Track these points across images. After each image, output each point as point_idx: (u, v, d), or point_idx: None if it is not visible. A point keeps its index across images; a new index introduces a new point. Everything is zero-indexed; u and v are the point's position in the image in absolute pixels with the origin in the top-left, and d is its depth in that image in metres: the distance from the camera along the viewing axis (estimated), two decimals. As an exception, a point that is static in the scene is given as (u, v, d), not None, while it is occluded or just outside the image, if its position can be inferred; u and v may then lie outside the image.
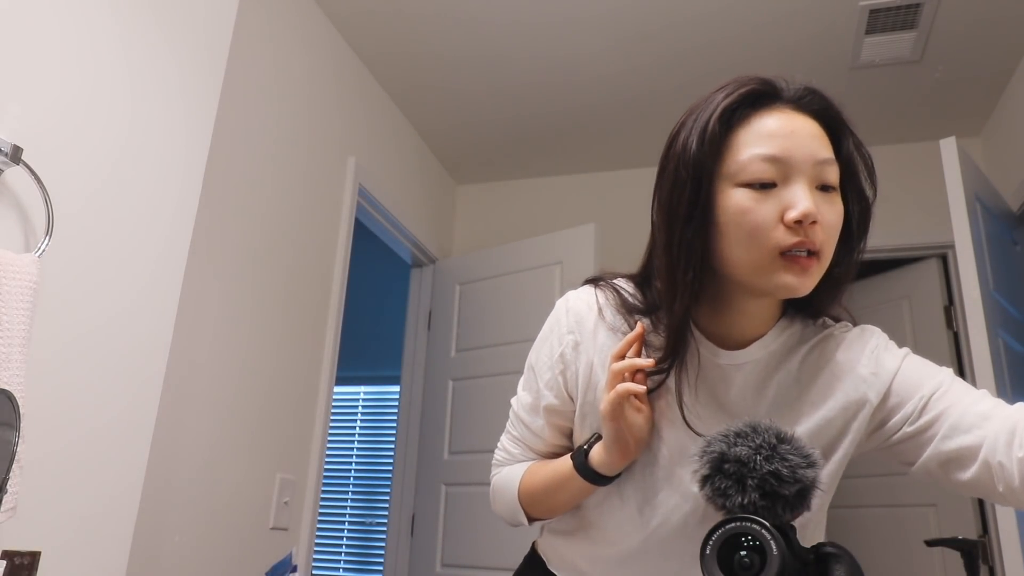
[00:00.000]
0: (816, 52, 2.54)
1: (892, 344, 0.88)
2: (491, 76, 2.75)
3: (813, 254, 0.73)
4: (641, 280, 0.88)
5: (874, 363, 0.83)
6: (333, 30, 2.53)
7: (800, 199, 0.72)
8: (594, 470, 0.85)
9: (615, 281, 0.90)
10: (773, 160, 0.74)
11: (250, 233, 2.06)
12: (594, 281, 0.91)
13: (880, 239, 3.20)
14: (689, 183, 0.75)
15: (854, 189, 0.81)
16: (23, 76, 1.14)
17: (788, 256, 0.73)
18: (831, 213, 0.75)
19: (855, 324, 0.89)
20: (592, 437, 0.87)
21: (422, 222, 3.18)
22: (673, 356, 0.80)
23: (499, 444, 1.00)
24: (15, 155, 1.10)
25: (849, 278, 0.83)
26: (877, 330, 0.89)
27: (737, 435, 0.68)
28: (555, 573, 0.95)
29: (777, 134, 0.75)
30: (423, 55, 2.66)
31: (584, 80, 2.76)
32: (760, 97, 0.80)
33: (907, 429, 0.80)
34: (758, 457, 0.66)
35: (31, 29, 1.16)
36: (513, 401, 0.98)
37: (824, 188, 0.76)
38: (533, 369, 0.94)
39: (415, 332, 3.25)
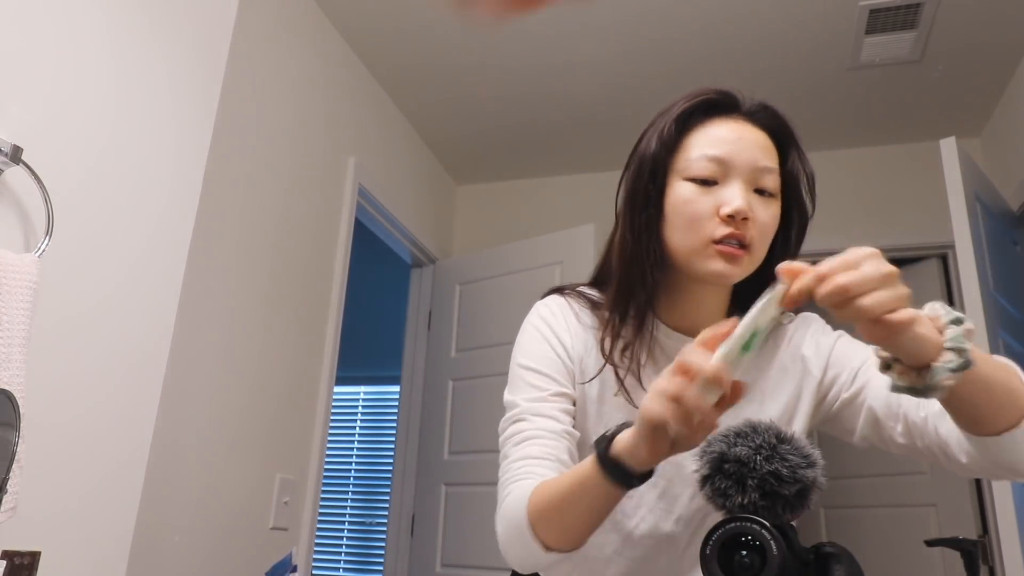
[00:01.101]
0: (816, 52, 2.54)
1: (828, 327, 0.98)
2: (491, 76, 2.75)
3: (744, 247, 0.81)
4: (599, 281, 0.96)
5: (815, 344, 0.94)
6: (333, 30, 2.53)
7: (735, 197, 0.81)
8: (618, 461, 0.70)
9: (577, 288, 0.97)
10: (717, 161, 0.83)
11: (250, 233, 2.06)
12: (557, 291, 0.98)
13: (880, 239, 3.21)
14: (647, 175, 0.86)
15: (795, 200, 0.89)
16: (23, 76, 1.14)
17: (720, 245, 0.81)
18: (765, 214, 0.83)
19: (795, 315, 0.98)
20: (619, 426, 0.74)
21: (422, 222, 3.18)
22: (637, 337, 0.88)
23: (502, 469, 0.87)
24: (15, 155, 1.10)
25: None
26: (815, 315, 0.98)
27: (737, 435, 0.68)
28: None
29: (724, 139, 0.84)
30: (423, 56, 2.66)
31: (585, 81, 2.76)
32: (716, 106, 0.87)
33: (844, 396, 0.90)
34: (758, 457, 0.66)
35: (31, 30, 1.16)
36: (505, 417, 0.89)
37: (761, 192, 0.84)
38: (528, 368, 0.90)
39: (415, 332, 3.25)
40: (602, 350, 0.90)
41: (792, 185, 0.88)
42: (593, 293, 0.96)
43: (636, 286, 0.87)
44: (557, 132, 3.12)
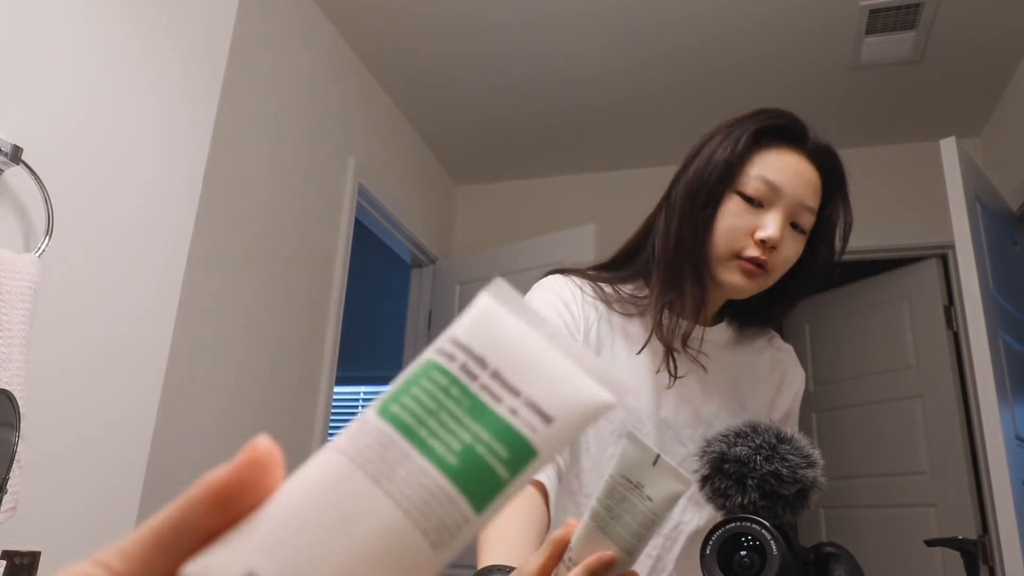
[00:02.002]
0: (816, 52, 2.54)
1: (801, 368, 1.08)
2: (491, 77, 2.75)
3: (763, 268, 0.87)
4: (618, 265, 0.99)
5: (798, 370, 1.04)
6: (333, 30, 2.53)
7: (773, 226, 0.86)
8: None
9: (579, 269, 1.00)
10: (771, 187, 0.87)
11: (250, 233, 2.06)
12: (559, 271, 1.00)
13: (880, 239, 3.21)
14: (715, 177, 0.89)
15: (826, 241, 0.95)
16: (23, 77, 1.14)
17: (743, 261, 0.87)
18: (791, 248, 0.89)
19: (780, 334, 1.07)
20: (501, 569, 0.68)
21: (422, 222, 3.18)
22: (696, 316, 0.90)
23: None
24: (15, 155, 1.10)
25: (796, 301, 0.99)
26: (791, 347, 1.09)
27: (737, 435, 0.68)
28: None
29: (785, 169, 0.88)
30: (423, 55, 2.66)
31: (584, 81, 2.76)
32: (788, 132, 0.91)
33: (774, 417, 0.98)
34: (758, 457, 0.66)
35: (31, 30, 1.16)
36: None
37: (795, 226, 0.89)
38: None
39: (415, 332, 3.25)
40: (661, 336, 0.91)
41: (827, 227, 0.94)
42: (599, 274, 0.98)
43: (688, 277, 0.89)
44: (557, 132, 3.12)
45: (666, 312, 0.91)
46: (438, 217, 3.37)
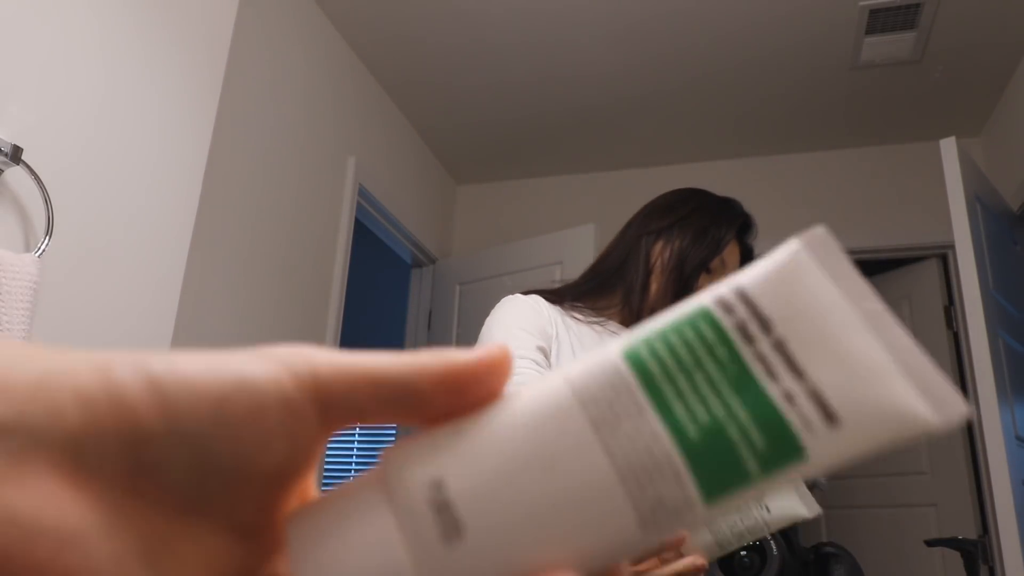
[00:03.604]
0: (816, 52, 2.54)
1: None
2: (492, 77, 2.75)
3: None
4: (599, 288, 1.12)
5: None
6: (333, 30, 2.53)
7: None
8: None
9: (543, 292, 1.12)
10: (723, 265, 1.11)
11: (250, 233, 2.06)
12: (523, 293, 1.10)
13: (880, 239, 3.21)
14: (704, 253, 1.09)
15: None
16: (23, 77, 1.14)
17: None
18: None
19: None
20: None
21: (422, 222, 3.17)
22: None
23: None
24: (15, 155, 1.10)
25: None
26: None
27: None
28: None
29: (733, 253, 1.13)
30: (423, 55, 2.66)
31: (585, 81, 2.76)
32: (746, 230, 1.16)
33: None
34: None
35: (31, 30, 1.16)
36: None
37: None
38: (507, 327, 1.01)
39: (415, 332, 3.25)
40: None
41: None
42: (556, 293, 1.11)
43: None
44: (558, 132, 3.12)
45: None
46: (438, 217, 3.37)
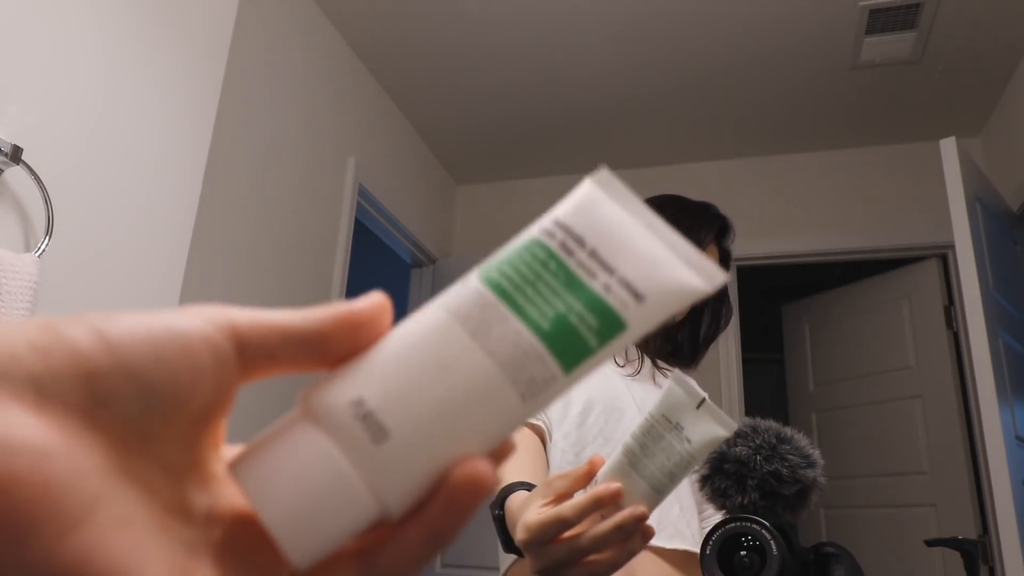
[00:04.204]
0: (816, 52, 2.54)
1: None
2: (492, 77, 2.75)
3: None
4: None
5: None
6: (333, 30, 2.53)
7: None
8: (504, 522, 0.74)
9: None
10: None
11: (250, 233, 2.06)
12: None
13: (880, 239, 3.20)
14: None
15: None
16: (23, 77, 1.14)
17: None
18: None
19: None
20: (519, 484, 0.77)
21: (422, 222, 3.17)
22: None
23: None
24: (15, 155, 1.10)
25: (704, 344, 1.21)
26: None
27: (737, 435, 0.68)
28: None
29: (715, 258, 1.14)
30: (423, 55, 2.66)
31: (585, 81, 2.76)
32: (724, 233, 1.16)
33: None
34: (758, 457, 0.66)
35: (31, 31, 1.16)
36: None
37: None
38: None
39: (415, 332, 3.24)
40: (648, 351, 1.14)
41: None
42: None
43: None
44: (558, 132, 3.12)
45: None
46: (438, 217, 3.37)
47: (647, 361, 1.13)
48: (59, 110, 1.19)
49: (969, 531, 2.65)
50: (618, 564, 0.59)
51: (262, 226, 2.12)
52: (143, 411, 0.19)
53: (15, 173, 1.11)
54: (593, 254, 0.24)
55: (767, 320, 4.11)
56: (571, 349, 0.23)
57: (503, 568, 0.96)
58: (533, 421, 0.95)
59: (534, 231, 0.25)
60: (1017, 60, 2.55)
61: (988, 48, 2.48)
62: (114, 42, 1.29)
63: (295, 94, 2.31)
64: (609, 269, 0.24)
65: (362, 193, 2.66)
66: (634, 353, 1.12)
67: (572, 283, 0.23)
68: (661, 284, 0.24)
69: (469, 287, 0.24)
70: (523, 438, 0.93)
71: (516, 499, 0.73)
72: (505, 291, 0.23)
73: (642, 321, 0.24)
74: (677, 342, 1.16)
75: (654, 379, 1.11)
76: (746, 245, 2.73)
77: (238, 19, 1.67)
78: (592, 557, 0.59)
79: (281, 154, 2.22)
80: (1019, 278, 2.38)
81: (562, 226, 0.25)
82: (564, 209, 0.26)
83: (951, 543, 1.57)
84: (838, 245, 2.96)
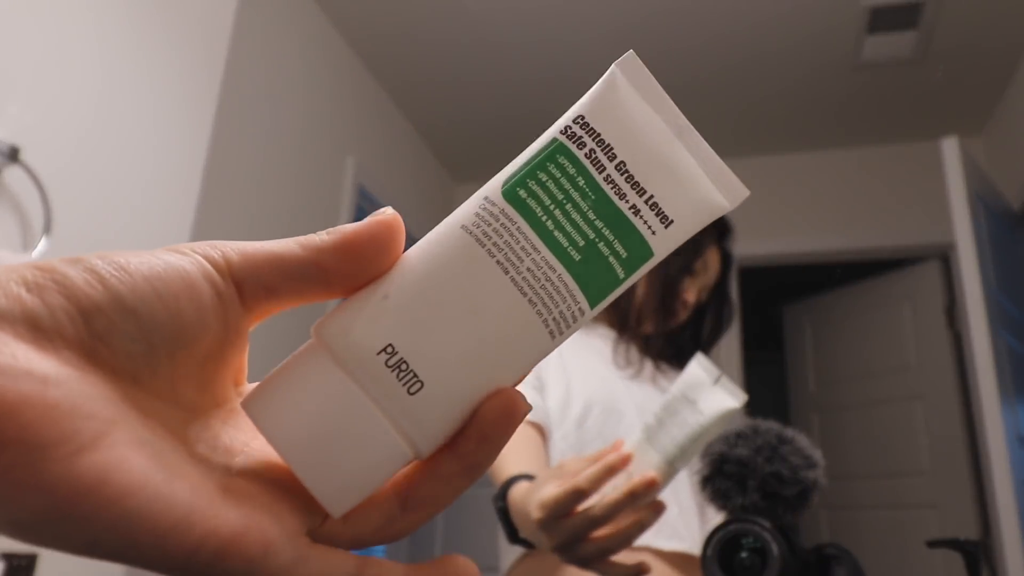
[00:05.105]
0: (817, 51, 2.53)
1: None
2: (491, 76, 2.75)
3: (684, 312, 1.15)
4: None
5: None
6: (333, 30, 2.53)
7: (693, 295, 1.12)
8: (508, 514, 0.75)
9: None
10: (705, 269, 1.12)
11: (249, 233, 2.06)
12: None
13: (881, 239, 3.20)
14: (691, 257, 1.09)
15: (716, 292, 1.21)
16: (21, 76, 1.14)
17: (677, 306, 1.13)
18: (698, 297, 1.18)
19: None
20: (522, 475, 0.77)
21: (422, 222, 3.17)
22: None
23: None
24: (13, 155, 1.10)
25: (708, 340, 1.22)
26: None
27: (738, 436, 0.68)
28: None
29: (716, 257, 1.14)
30: (423, 55, 2.65)
31: (585, 80, 2.74)
32: (726, 234, 1.16)
33: None
34: (759, 458, 0.66)
35: (29, 31, 1.16)
36: None
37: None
38: None
39: (415, 332, 3.24)
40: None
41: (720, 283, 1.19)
42: None
43: (658, 312, 1.07)
44: (557, 132, 3.11)
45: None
46: (438, 217, 3.34)
47: (648, 363, 1.11)
48: (57, 110, 1.19)
49: (970, 532, 2.65)
50: (631, 538, 0.61)
51: (261, 226, 2.11)
52: (146, 348, 0.18)
53: (13, 173, 1.11)
54: (623, 168, 0.22)
55: (768, 320, 4.11)
56: (600, 283, 0.22)
57: (505, 567, 0.96)
58: (534, 419, 0.95)
59: (559, 134, 0.23)
60: (1019, 59, 2.54)
61: (990, 47, 2.47)
62: (112, 41, 1.29)
63: (294, 94, 2.31)
64: (640, 189, 0.22)
65: (362, 193, 2.66)
66: (635, 355, 1.11)
67: (602, 205, 0.22)
68: (690, 206, 0.23)
69: (494, 207, 0.22)
70: (524, 434, 0.93)
71: (519, 489, 0.74)
72: (534, 215, 0.22)
73: (666, 247, 0.23)
74: (679, 344, 1.14)
75: (655, 381, 1.10)
76: (747, 245, 2.73)
77: (236, 18, 1.67)
78: (605, 531, 0.60)
79: (280, 154, 2.22)
80: (1021, 278, 2.37)
81: (590, 131, 0.23)
82: (592, 106, 0.24)
83: (952, 544, 1.56)
84: (839, 245, 2.95)
